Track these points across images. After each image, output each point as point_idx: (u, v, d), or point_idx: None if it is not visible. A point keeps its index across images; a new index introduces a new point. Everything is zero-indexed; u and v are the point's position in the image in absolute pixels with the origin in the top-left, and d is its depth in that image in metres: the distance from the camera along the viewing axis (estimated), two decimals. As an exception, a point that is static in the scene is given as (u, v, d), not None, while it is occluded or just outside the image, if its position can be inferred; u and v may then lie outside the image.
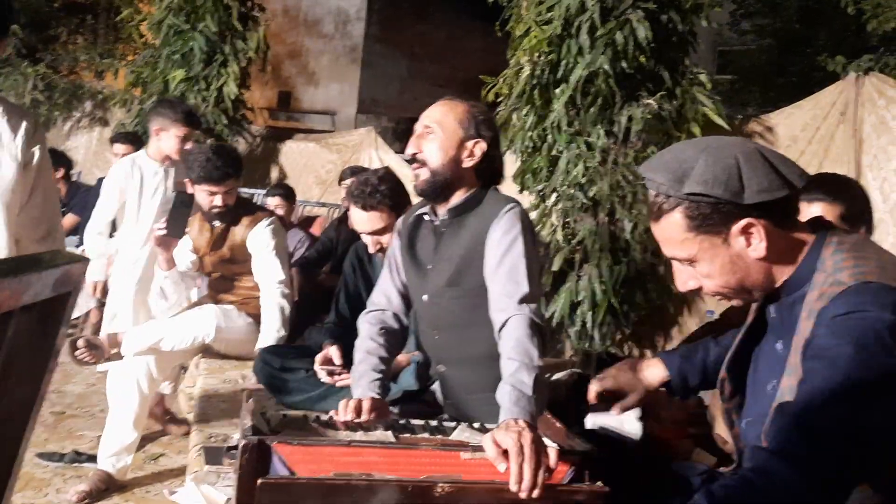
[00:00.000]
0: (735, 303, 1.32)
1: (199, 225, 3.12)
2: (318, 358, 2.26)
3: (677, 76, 3.74)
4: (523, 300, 1.63)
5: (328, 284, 4.27)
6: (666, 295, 3.77)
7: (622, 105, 3.63)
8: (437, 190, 1.79)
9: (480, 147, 1.79)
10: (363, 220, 2.33)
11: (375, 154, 6.13)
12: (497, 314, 1.65)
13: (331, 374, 2.23)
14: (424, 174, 1.78)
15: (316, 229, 5.14)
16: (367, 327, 1.88)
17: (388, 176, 2.38)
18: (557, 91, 3.69)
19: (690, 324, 3.86)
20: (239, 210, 3.04)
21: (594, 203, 3.68)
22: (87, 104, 7.53)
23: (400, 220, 2.00)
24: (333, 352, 2.26)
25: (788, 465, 1.08)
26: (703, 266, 1.24)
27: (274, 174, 6.58)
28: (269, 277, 2.95)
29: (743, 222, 1.18)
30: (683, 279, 1.29)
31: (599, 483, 1.29)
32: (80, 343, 2.96)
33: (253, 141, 6.73)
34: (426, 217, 1.87)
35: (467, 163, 1.79)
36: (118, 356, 3.00)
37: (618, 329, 3.79)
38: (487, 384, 1.58)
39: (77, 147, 7.22)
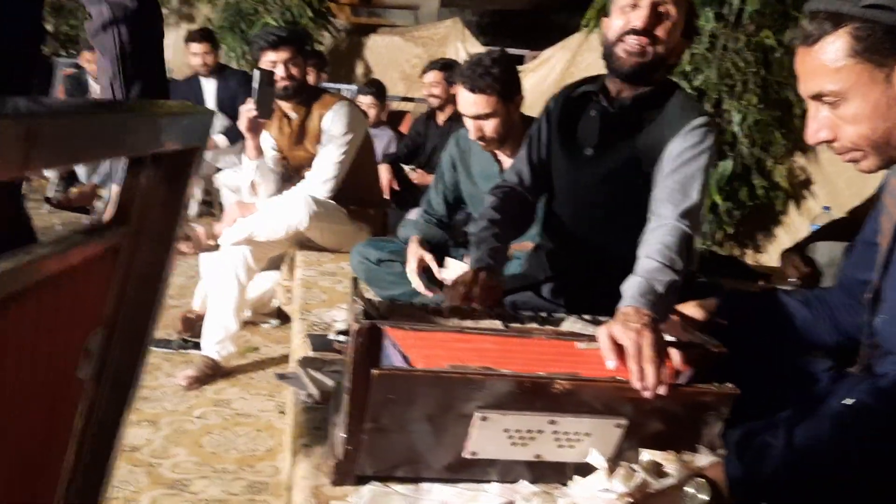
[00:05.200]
0: (864, 165, 1.15)
1: (279, 123, 3.09)
2: (413, 264, 2.19)
3: (799, -51, 3.40)
4: (686, 213, 1.51)
5: (418, 180, 4.24)
6: (773, 192, 3.56)
7: (735, -17, 3.35)
8: (648, 73, 1.64)
9: (684, 48, 1.68)
10: (468, 103, 2.18)
11: (462, 46, 5.94)
12: (653, 217, 1.54)
13: (429, 285, 2.19)
14: (653, 51, 1.62)
15: (404, 127, 5.08)
16: (494, 200, 1.80)
17: (502, 59, 2.22)
18: (663, -30, 3.42)
19: (798, 223, 3.65)
20: (312, 98, 3.02)
21: (699, 93, 3.46)
22: (173, 0, 7.52)
23: (552, 98, 1.87)
24: (430, 260, 2.19)
25: None
26: (851, 106, 1.08)
27: (359, 69, 6.49)
28: (314, 171, 2.92)
29: None
30: (815, 128, 1.14)
31: (729, 384, 1.21)
32: (176, 233, 3.03)
33: (338, 35, 6.62)
34: (594, 98, 1.74)
35: (672, 60, 1.67)
36: (215, 247, 3.07)
37: (720, 227, 3.63)
38: (614, 287, 1.51)
39: (166, 45, 7.24)
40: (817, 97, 1.12)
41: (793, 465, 0.96)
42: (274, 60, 2.89)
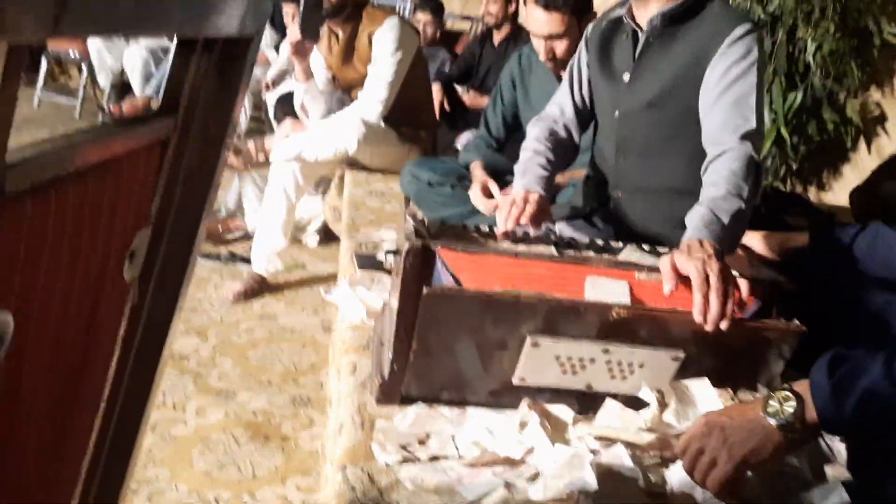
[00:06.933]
0: None
1: (328, 41, 3.01)
2: (477, 188, 2.07)
3: None
4: (747, 136, 1.41)
5: (470, 102, 4.14)
6: (844, 127, 3.38)
7: None
8: None
9: None
10: (541, 21, 2.02)
11: (522, -35, 5.70)
12: (711, 147, 1.44)
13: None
14: None
15: (460, 48, 4.94)
16: (537, 132, 1.74)
17: None
18: None
19: (868, 162, 3.47)
20: (360, 14, 2.91)
21: (773, 19, 3.25)
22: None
23: (589, 27, 1.77)
24: (492, 186, 2.07)
25: None
26: None
27: (414, -15, 6.29)
28: (365, 92, 2.83)
29: None
30: None
31: (796, 321, 1.15)
32: (226, 147, 3.03)
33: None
34: (625, 20, 1.63)
35: None
36: (265, 163, 3.06)
37: (783, 163, 3.48)
38: (667, 219, 1.43)
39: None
40: None
41: (888, 390, 0.87)
42: None
